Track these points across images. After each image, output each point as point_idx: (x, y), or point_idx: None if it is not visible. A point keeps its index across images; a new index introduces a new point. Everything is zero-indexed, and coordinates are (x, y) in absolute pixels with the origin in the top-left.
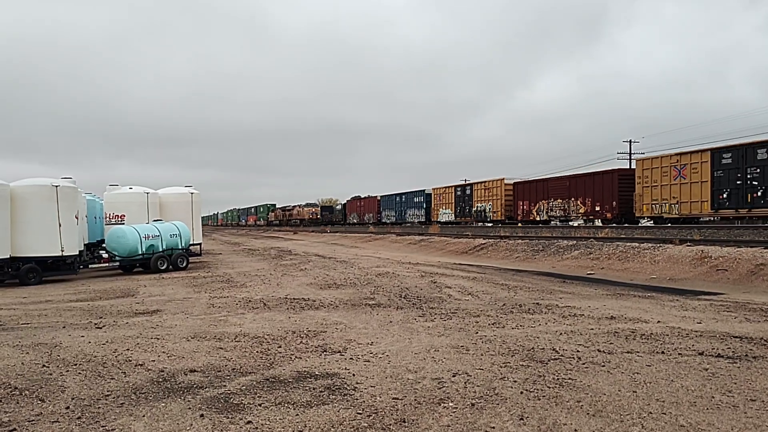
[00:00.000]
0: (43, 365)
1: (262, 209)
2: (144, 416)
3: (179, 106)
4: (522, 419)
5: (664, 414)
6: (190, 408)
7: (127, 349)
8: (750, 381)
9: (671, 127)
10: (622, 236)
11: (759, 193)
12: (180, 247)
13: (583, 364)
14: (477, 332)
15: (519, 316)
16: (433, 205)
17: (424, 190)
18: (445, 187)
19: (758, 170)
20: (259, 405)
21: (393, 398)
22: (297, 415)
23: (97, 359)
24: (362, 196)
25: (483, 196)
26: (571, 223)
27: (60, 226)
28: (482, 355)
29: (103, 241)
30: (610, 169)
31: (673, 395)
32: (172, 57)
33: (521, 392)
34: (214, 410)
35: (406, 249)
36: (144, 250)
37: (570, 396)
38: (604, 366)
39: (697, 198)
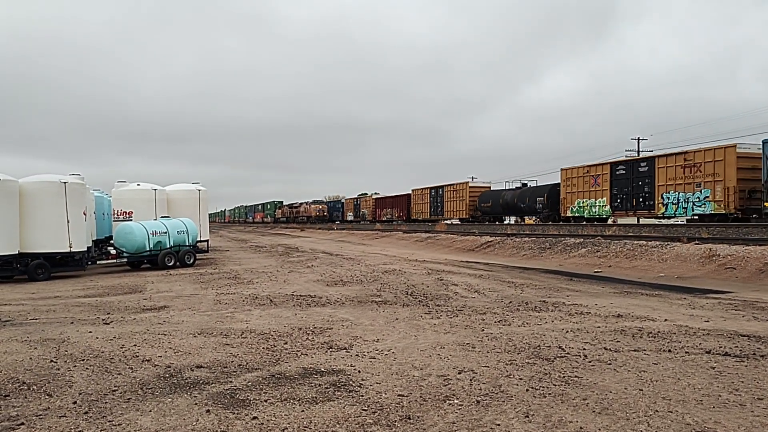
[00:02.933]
0: (51, 360)
1: (269, 206)
2: (151, 411)
3: (186, 102)
4: (527, 417)
5: (671, 412)
6: (196, 403)
7: (135, 345)
8: (757, 380)
9: (680, 124)
10: (630, 234)
11: (640, 200)
12: (187, 244)
13: (590, 362)
14: (483, 330)
15: (525, 314)
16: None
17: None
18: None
19: (640, 181)
20: (265, 401)
21: (398, 395)
22: (302, 411)
23: (105, 355)
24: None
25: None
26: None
27: (68, 222)
28: (488, 352)
29: (111, 237)
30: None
31: (679, 393)
32: (179, 53)
33: (527, 390)
34: (220, 406)
35: (413, 246)
36: (151, 246)
37: (576, 394)
38: (610, 364)
39: (603, 202)
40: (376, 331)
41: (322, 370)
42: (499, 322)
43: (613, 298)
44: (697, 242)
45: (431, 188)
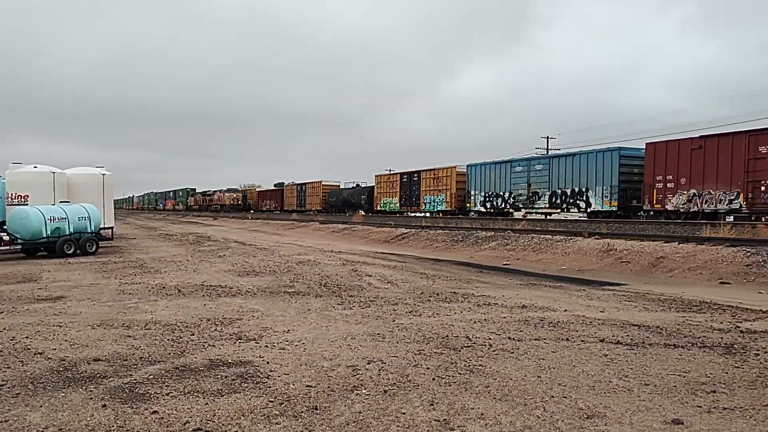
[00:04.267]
0: None
1: (181, 193)
2: (41, 407)
3: (100, 85)
4: (432, 405)
5: (565, 398)
6: (91, 398)
7: (26, 337)
8: (645, 366)
9: (586, 125)
10: (537, 228)
11: (413, 199)
12: (89, 231)
13: (494, 351)
14: (394, 320)
15: (436, 305)
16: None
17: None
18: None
19: (414, 186)
20: (167, 394)
21: (306, 386)
22: (206, 404)
23: None
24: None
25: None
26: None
27: None
28: (398, 342)
29: (3, 223)
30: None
31: (574, 380)
32: (94, 36)
33: (433, 378)
34: (117, 400)
35: (329, 237)
36: (49, 233)
37: (479, 382)
38: (513, 353)
39: (396, 200)
40: (287, 322)
41: (230, 361)
42: (410, 312)
43: (519, 289)
44: (597, 237)
45: (297, 185)
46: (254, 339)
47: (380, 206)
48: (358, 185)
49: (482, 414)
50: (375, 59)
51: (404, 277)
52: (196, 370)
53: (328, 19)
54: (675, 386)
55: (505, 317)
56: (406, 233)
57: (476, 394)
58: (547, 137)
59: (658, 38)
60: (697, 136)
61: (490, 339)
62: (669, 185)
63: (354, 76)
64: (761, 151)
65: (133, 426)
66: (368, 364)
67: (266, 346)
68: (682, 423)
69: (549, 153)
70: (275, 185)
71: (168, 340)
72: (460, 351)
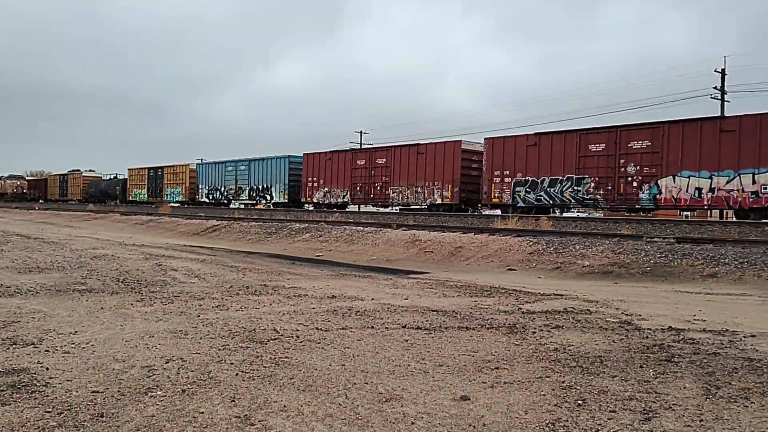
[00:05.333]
0: None
1: None
2: None
3: None
4: (234, 401)
5: (367, 383)
6: None
7: None
8: (440, 348)
9: (399, 120)
10: (350, 221)
11: (158, 191)
12: None
13: (301, 342)
14: (199, 315)
15: (245, 298)
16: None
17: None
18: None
19: (158, 180)
20: None
21: (92, 392)
22: None
23: None
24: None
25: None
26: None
27: None
28: (201, 338)
29: None
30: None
31: (376, 366)
32: None
33: (236, 374)
34: None
35: (131, 230)
36: None
37: (284, 374)
38: (319, 343)
39: (145, 191)
40: (75, 322)
41: (0, 370)
42: (216, 307)
43: (329, 280)
44: (404, 228)
45: (60, 175)
46: (32, 343)
47: (131, 197)
48: (116, 177)
49: (285, 406)
50: (187, 45)
51: (213, 271)
52: None
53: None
54: (465, 365)
55: (314, 308)
56: (217, 225)
57: (280, 387)
58: (361, 132)
59: (459, 44)
60: (533, 133)
61: (297, 330)
62: (506, 180)
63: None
64: (590, 148)
65: None
66: (166, 363)
67: (47, 351)
68: (469, 399)
69: (363, 147)
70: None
71: None
72: (266, 344)
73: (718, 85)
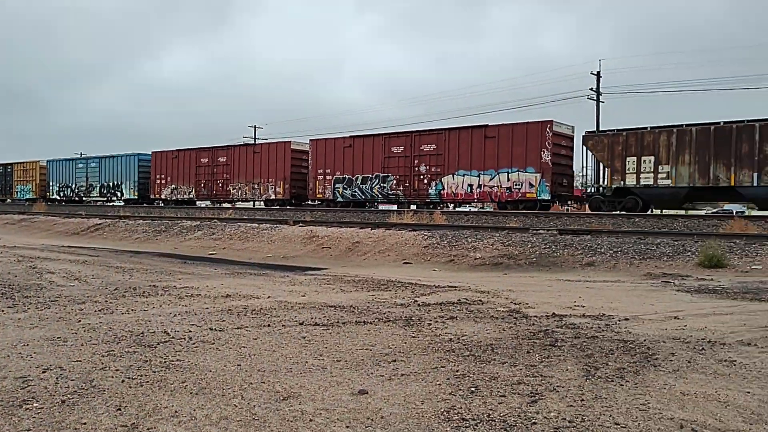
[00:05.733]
0: None
1: None
2: None
3: None
4: (119, 409)
5: (263, 383)
6: None
7: None
8: (338, 344)
9: (295, 115)
10: (245, 218)
11: (8, 189)
12: None
13: (194, 344)
14: (80, 320)
15: (132, 300)
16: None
17: None
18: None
19: (8, 177)
20: None
21: None
22: None
23: None
24: None
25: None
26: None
27: None
28: (83, 345)
29: None
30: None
31: (273, 364)
32: None
33: (123, 381)
34: None
35: (1, 230)
36: None
37: (175, 378)
38: (213, 344)
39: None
40: None
41: None
42: (100, 311)
43: (224, 279)
44: (301, 224)
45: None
46: None
47: None
48: None
49: (176, 412)
50: (64, 32)
51: (95, 273)
52: None
53: None
54: (363, 360)
55: (207, 308)
56: (100, 224)
57: (171, 392)
58: (255, 126)
59: (355, 40)
60: (348, 135)
61: (190, 332)
62: (328, 177)
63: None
64: (393, 150)
65: None
66: (43, 372)
67: None
68: (367, 392)
69: (254, 142)
70: None
71: None
72: (156, 347)
73: (595, 87)
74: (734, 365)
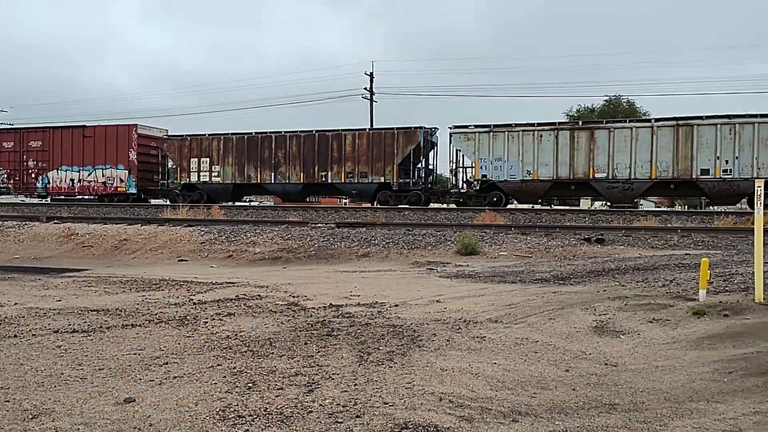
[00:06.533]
0: None
1: None
2: None
3: None
4: None
5: (8, 401)
6: None
7: None
8: (101, 351)
9: (50, 99)
10: None
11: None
12: None
13: None
14: None
15: None
16: None
17: None
18: None
19: None
20: None
21: None
22: None
23: None
24: None
25: None
26: None
27: None
28: None
29: None
30: None
31: (20, 379)
32: None
33: None
34: None
35: None
36: None
37: None
38: None
39: None
40: None
41: None
42: None
43: None
44: (56, 221)
45: None
46: None
47: None
48: None
49: None
50: None
51: None
52: None
53: None
54: (130, 365)
55: None
56: None
57: None
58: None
59: (121, 21)
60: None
61: None
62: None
63: None
64: (4, 145)
65: None
66: None
67: None
68: (134, 400)
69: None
70: None
71: None
72: None
73: (368, 86)
74: (484, 340)
